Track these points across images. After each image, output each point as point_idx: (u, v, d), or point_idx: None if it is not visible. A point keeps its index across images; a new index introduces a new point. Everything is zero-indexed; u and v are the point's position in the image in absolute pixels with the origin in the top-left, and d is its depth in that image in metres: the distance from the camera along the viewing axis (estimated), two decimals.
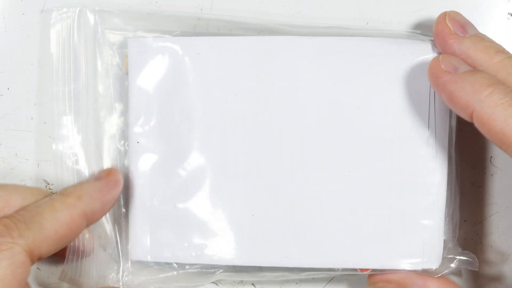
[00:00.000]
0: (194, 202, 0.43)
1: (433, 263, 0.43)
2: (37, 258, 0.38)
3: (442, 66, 0.40)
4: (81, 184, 0.42)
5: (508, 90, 0.38)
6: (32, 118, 0.45)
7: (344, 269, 0.44)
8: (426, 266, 0.43)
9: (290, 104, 0.43)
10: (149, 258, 0.44)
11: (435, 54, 0.42)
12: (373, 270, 0.43)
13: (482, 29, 0.44)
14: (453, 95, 0.39)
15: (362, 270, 0.44)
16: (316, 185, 0.43)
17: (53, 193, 0.42)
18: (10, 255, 0.36)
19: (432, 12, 0.45)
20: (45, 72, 0.45)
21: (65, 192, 0.41)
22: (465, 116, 0.39)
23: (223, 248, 0.43)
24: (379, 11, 0.45)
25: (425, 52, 0.43)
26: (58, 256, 0.44)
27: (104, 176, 0.43)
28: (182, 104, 0.43)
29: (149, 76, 0.43)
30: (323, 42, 0.43)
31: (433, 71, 0.40)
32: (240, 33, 0.44)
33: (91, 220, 0.41)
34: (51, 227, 0.38)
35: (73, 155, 0.44)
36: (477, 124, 0.38)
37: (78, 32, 0.44)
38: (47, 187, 0.46)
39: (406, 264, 0.43)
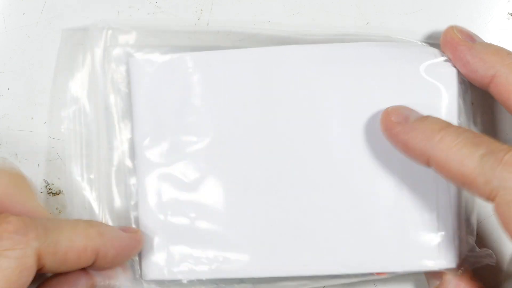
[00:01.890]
0: (207, 218, 0.43)
1: (450, 263, 0.43)
2: (39, 268, 0.37)
3: (392, 118, 0.40)
4: (106, 225, 0.42)
5: (460, 131, 0.38)
6: (32, 118, 0.45)
7: (361, 274, 0.44)
8: (443, 266, 0.43)
9: (299, 116, 0.43)
10: (165, 276, 0.43)
11: (444, 59, 0.43)
12: (389, 273, 0.43)
13: (482, 29, 0.44)
14: (406, 145, 0.39)
15: (378, 273, 0.43)
16: (329, 193, 0.43)
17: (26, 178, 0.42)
18: (22, 255, 0.36)
19: (432, 12, 0.45)
20: (45, 72, 0.45)
21: (90, 223, 0.40)
22: (423, 164, 0.39)
23: (239, 261, 0.43)
24: (379, 11, 0.45)
25: (433, 57, 0.43)
26: None
27: (130, 230, 0.43)
28: (189, 119, 0.43)
29: (153, 93, 0.43)
30: (331, 49, 0.43)
31: (384, 124, 0.41)
32: (238, 38, 0.44)
33: (98, 263, 0.39)
34: (65, 245, 0.37)
35: (84, 177, 0.44)
36: (435, 169, 0.39)
37: (83, 49, 0.44)
38: (47, 187, 0.45)
39: (423, 266, 0.43)
